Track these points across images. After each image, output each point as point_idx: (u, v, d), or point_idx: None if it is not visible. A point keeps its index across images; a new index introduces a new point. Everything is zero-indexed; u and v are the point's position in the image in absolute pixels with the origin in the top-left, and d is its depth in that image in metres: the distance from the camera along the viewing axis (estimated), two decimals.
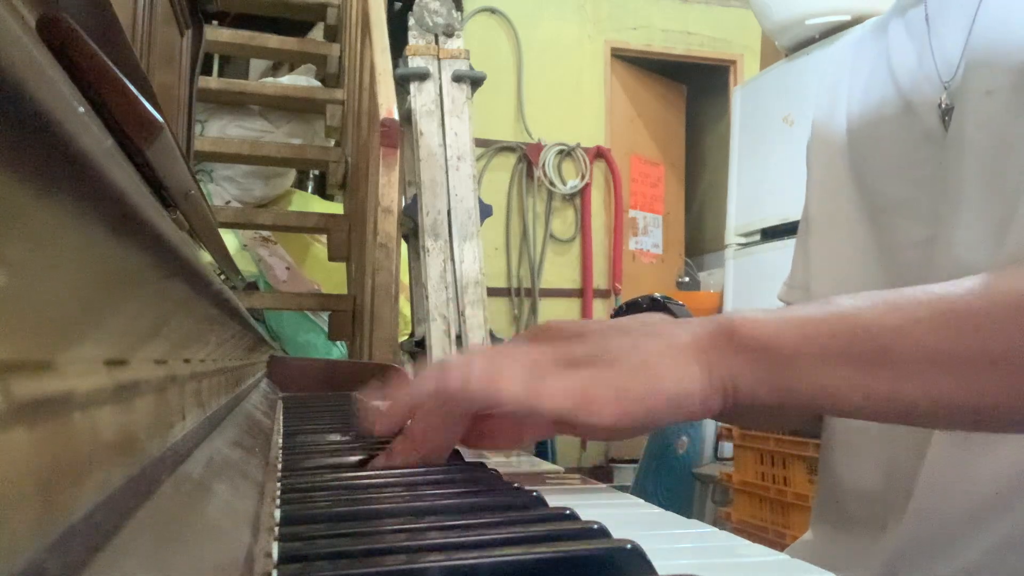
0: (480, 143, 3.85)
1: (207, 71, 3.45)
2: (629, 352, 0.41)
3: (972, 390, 0.39)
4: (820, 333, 0.41)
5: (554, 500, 0.35)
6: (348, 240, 2.42)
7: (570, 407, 0.40)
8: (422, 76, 2.94)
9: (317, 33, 3.40)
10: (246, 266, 2.87)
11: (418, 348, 2.87)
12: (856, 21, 2.35)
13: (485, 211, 2.99)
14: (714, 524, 0.37)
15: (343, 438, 0.53)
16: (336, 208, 3.06)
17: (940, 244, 0.58)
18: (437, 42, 3.02)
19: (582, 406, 0.40)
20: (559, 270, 4.50)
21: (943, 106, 0.59)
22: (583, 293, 4.52)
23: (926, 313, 0.39)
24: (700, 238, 5.21)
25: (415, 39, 2.99)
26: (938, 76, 0.61)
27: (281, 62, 3.49)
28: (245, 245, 2.96)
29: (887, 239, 0.64)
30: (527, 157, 4.43)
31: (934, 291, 0.41)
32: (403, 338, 2.91)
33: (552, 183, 4.45)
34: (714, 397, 0.41)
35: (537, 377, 0.40)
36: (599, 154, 4.59)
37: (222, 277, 1.67)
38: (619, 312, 0.65)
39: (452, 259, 2.84)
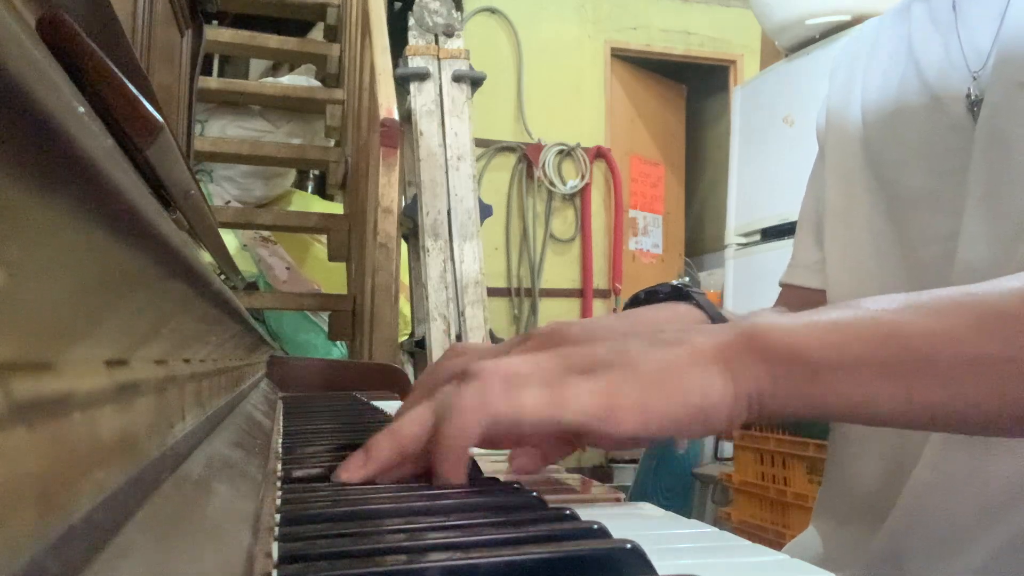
0: (480, 143, 3.85)
1: (207, 71, 3.45)
2: (648, 358, 0.38)
3: (1017, 394, 0.37)
4: (853, 340, 0.38)
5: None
6: (348, 240, 2.42)
7: (592, 416, 0.36)
8: (422, 76, 2.94)
9: (317, 33, 3.40)
10: (246, 266, 2.87)
11: (418, 348, 2.87)
12: (856, 21, 2.35)
13: (485, 211, 3.00)
14: (714, 524, 0.37)
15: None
16: (336, 208, 3.06)
17: (963, 238, 0.56)
18: (437, 42, 3.02)
19: (604, 416, 0.36)
20: (559, 270, 4.50)
21: (971, 97, 0.58)
22: (583, 293, 4.52)
23: (967, 316, 0.37)
24: (700, 238, 5.21)
25: (415, 39, 2.99)
26: (966, 66, 0.59)
27: (281, 62, 3.49)
28: (245, 245, 2.96)
29: (907, 233, 0.63)
30: (527, 157, 4.43)
31: (971, 292, 0.38)
32: (403, 338, 2.91)
33: (552, 183, 4.45)
34: (740, 410, 0.38)
35: (558, 387, 0.37)
36: (599, 154, 4.58)
37: (222, 277, 1.67)
38: (636, 301, 0.61)
39: (452, 259, 2.84)
